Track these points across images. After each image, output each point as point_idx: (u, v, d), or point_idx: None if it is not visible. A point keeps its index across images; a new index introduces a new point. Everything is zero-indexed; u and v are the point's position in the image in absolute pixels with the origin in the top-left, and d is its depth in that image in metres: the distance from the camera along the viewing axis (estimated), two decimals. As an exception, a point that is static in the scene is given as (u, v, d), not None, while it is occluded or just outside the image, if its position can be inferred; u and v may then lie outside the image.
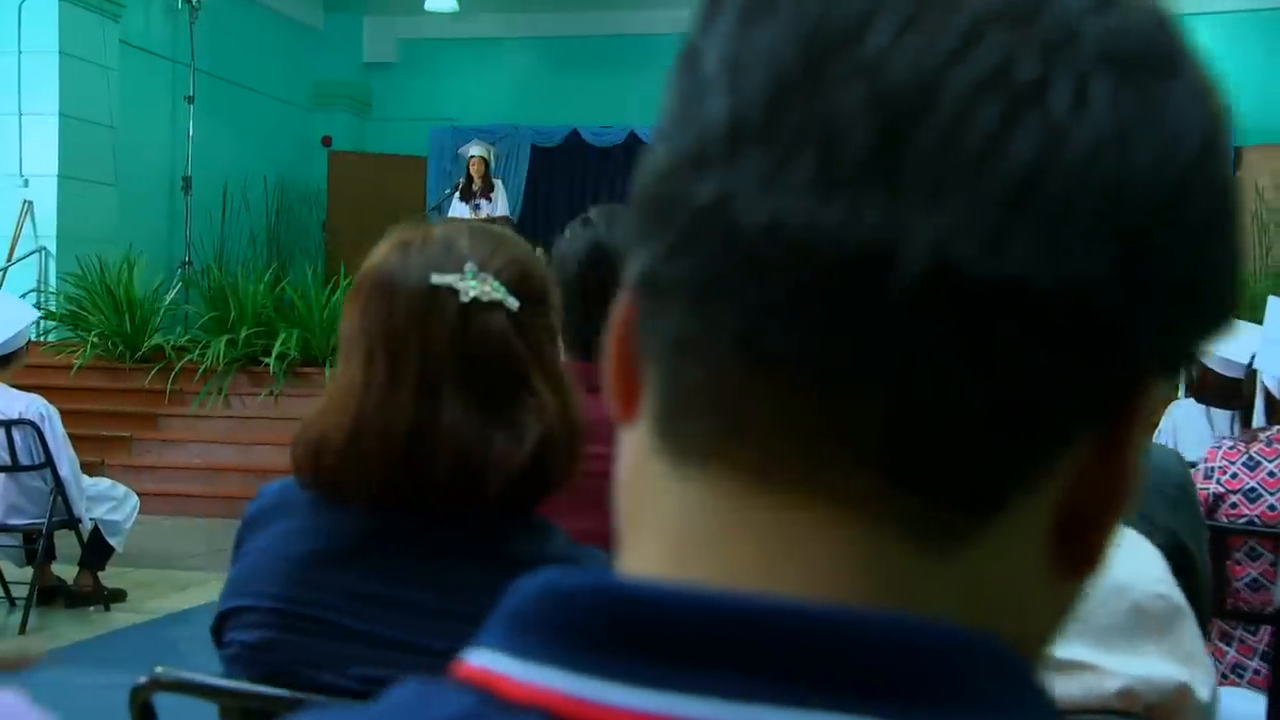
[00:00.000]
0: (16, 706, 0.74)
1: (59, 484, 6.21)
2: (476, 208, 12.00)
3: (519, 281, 1.58)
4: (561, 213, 16.01)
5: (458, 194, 12.19)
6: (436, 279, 1.55)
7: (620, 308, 0.49)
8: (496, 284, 1.55)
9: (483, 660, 0.45)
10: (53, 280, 11.82)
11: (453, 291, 1.54)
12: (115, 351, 10.79)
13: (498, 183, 12.47)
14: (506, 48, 16.08)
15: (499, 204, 12.18)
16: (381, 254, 1.60)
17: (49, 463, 6.16)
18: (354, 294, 1.60)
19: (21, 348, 6.43)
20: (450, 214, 11.98)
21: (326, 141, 15.96)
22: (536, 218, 14.65)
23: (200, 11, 13.41)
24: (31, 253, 11.89)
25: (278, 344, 10.42)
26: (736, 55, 0.44)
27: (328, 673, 1.57)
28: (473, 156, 12.25)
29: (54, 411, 6.27)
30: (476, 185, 12.15)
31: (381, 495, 1.55)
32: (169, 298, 11.80)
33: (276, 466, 9.73)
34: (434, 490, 1.54)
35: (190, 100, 13.54)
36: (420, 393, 1.53)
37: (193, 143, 13.53)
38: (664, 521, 0.46)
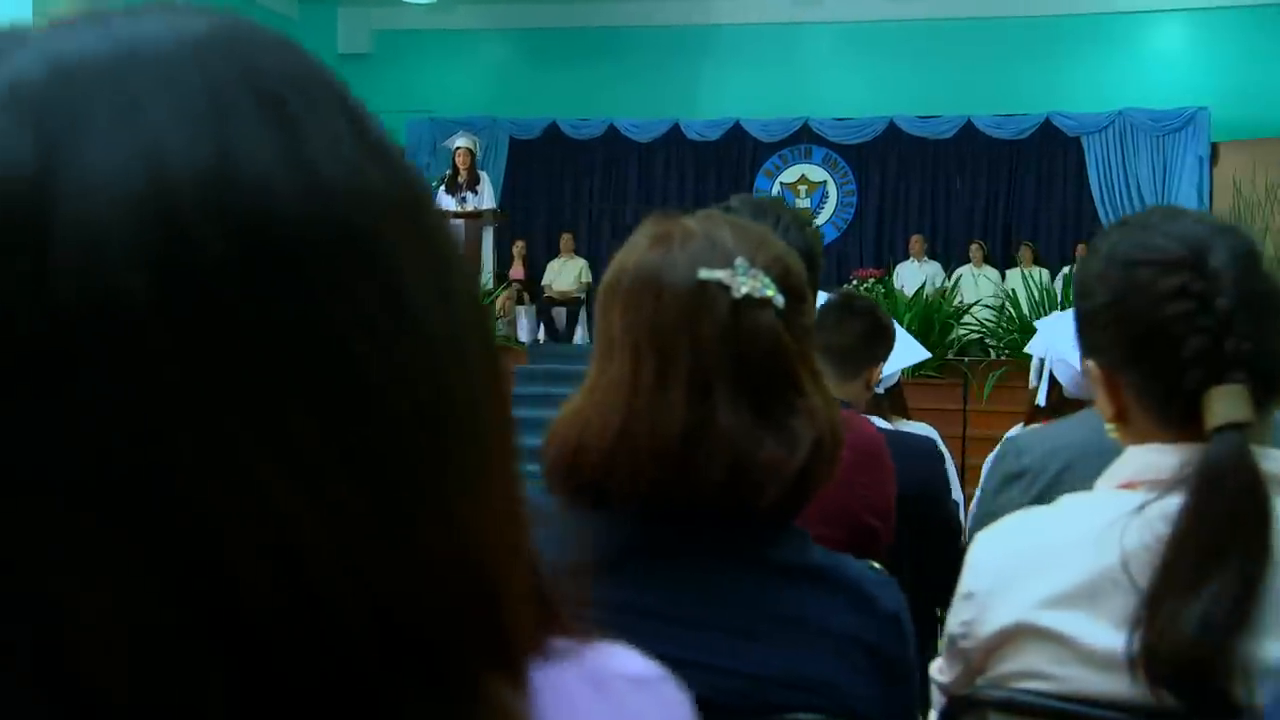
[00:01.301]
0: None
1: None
2: (463, 200, 11.89)
3: (783, 278, 1.53)
4: (540, 206, 16.02)
5: (443, 186, 12.07)
6: (705, 274, 1.49)
7: None
8: (766, 279, 1.50)
9: None
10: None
11: (723, 288, 1.48)
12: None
13: (483, 175, 12.36)
14: (484, 39, 15.98)
15: (485, 196, 12.08)
16: (638, 250, 1.53)
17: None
18: (612, 291, 1.53)
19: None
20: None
21: (301, 133, 15.78)
22: (515, 210, 14.56)
23: None
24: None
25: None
26: None
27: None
28: (458, 148, 12.14)
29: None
30: (462, 177, 12.03)
31: (650, 500, 1.49)
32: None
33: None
34: (705, 495, 1.48)
35: (165, 90, 13.35)
36: (691, 393, 1.47)
37: (169, 133, 13.35)
38: None
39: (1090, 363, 1.58)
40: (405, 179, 0.52)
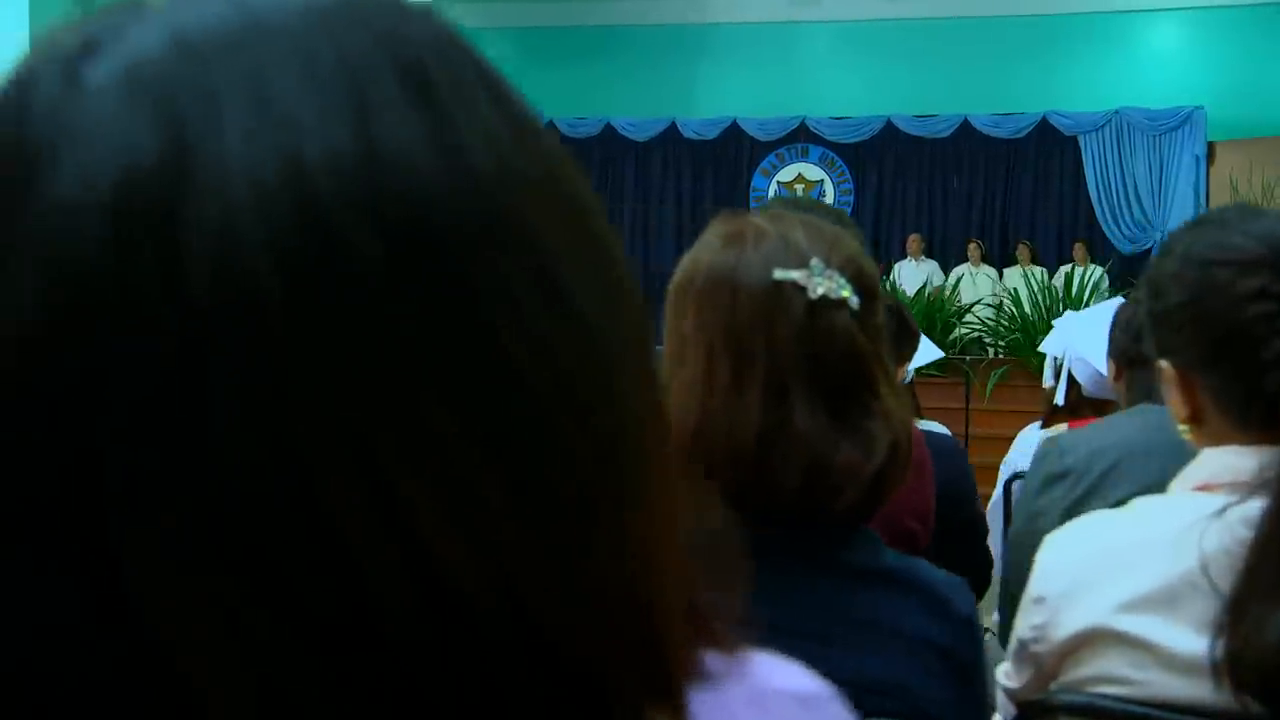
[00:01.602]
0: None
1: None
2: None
3: (857, 278, 1.51)
4: (537, 204, 15.92)
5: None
6: (780, 275, 1.47)
7: None
8: (841, 280, 1.48)
9: None
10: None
11: (798, 288, 1.47)
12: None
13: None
14: (480, 37, 15.31)
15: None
16: (711, 249, 1.52)
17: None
18: (683, 292, 1.51)
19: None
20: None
21: (296, 132, 15.77)
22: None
23: None
24: None
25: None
26: None
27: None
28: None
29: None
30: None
31: (725, 503, 1.47)
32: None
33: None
34: (781, 499, 1.46)
35: (161, 88, 13.35)
36: (767, 395, 1.46)
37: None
38: None
39: (1164, 363, 1.57)
40: (553, 156, 0.48)
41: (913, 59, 15.08)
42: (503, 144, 0.44)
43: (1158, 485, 2.24)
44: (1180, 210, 14.57)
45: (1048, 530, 2.38)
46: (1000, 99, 15.09)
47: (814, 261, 1.47)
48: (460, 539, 0.40)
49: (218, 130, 0.40)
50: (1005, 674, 1.64)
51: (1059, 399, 3.85)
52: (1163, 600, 1.42)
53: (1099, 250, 14.28)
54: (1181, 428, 1.59)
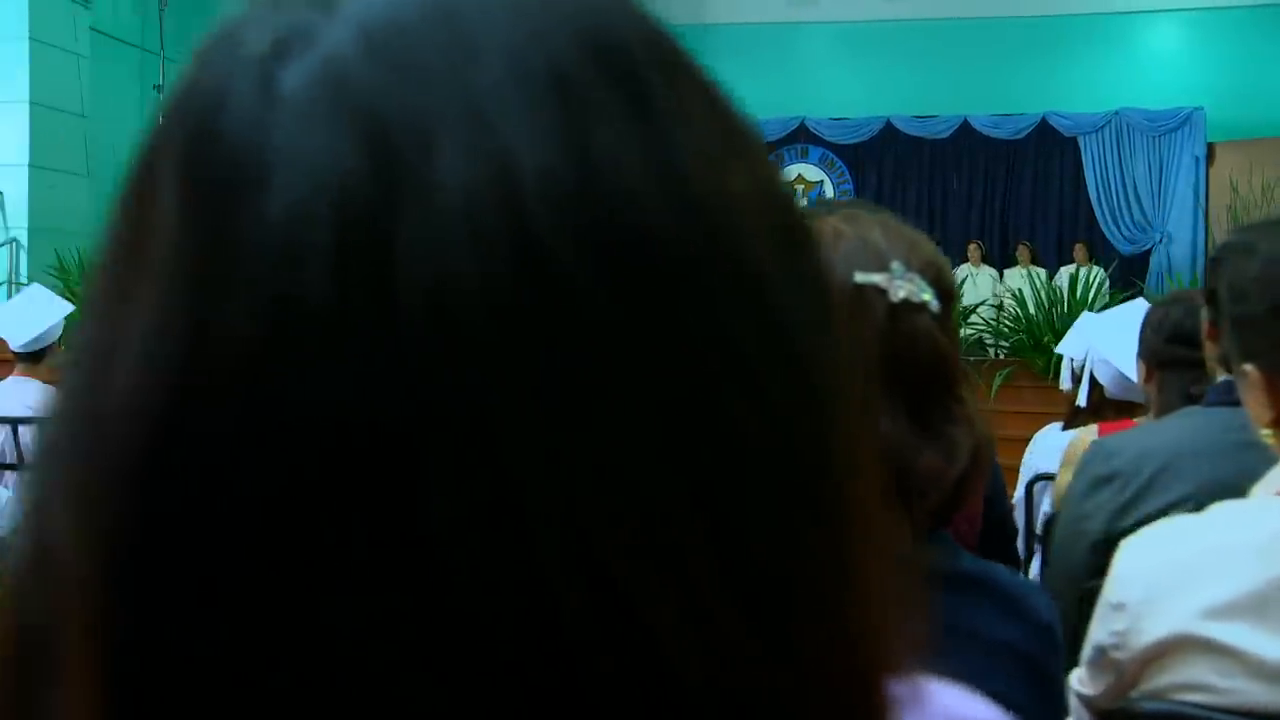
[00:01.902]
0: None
1: (93, 483, 6.02)
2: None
3: (936, 280, 1.49)
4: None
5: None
6: (861, 278, 1.45)
7: None
8: (922, 283, 1.46)
9: None
10: (24, 273, 11.53)
11: (880, 291, 1.44)
12: (103, 346, 10.57)
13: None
14: (479, 38, 15.91)
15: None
16: None
17: (83, 462, 5.97)
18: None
19: (54, 343, 6.24)
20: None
21: (294, 132, 15.76)
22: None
23: (170, -1, 13.19)
24: (2, 245, 11.60)
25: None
26: None
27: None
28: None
29: (89, 409, 6.08)
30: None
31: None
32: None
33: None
34: None
35: (159, 90, 13.28)
36: (850, 399, 1.43)
37: (163, 133, 13.29)
38: None
39: (1248, 367, 1.55)
40: (765, 169, 0.43)
41: (912, 59, 15.08)
42: (719, 160, 0.40)
43: (1208, 488, 2.23)
44: (1180, 211, 14.59)
45: (1095, 533, 2.37)
46: (1000, 100, 15.09)
47: (894, 264, 1.45)
48: (669, 606, 0.36)
49: (423, 153, 0.37)
50: (1079, 680, 1.62)
51: (1081, 400, 3.83)
52: (1251, 607, 1.40)
53: (1099, 251, 14.29)
54: (1264, 432, 1.57)
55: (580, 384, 0.36)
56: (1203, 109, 14.41)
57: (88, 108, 12.15)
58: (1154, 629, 1.47)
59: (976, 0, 14.99)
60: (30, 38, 11.69)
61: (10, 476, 6.07)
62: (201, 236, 0.37)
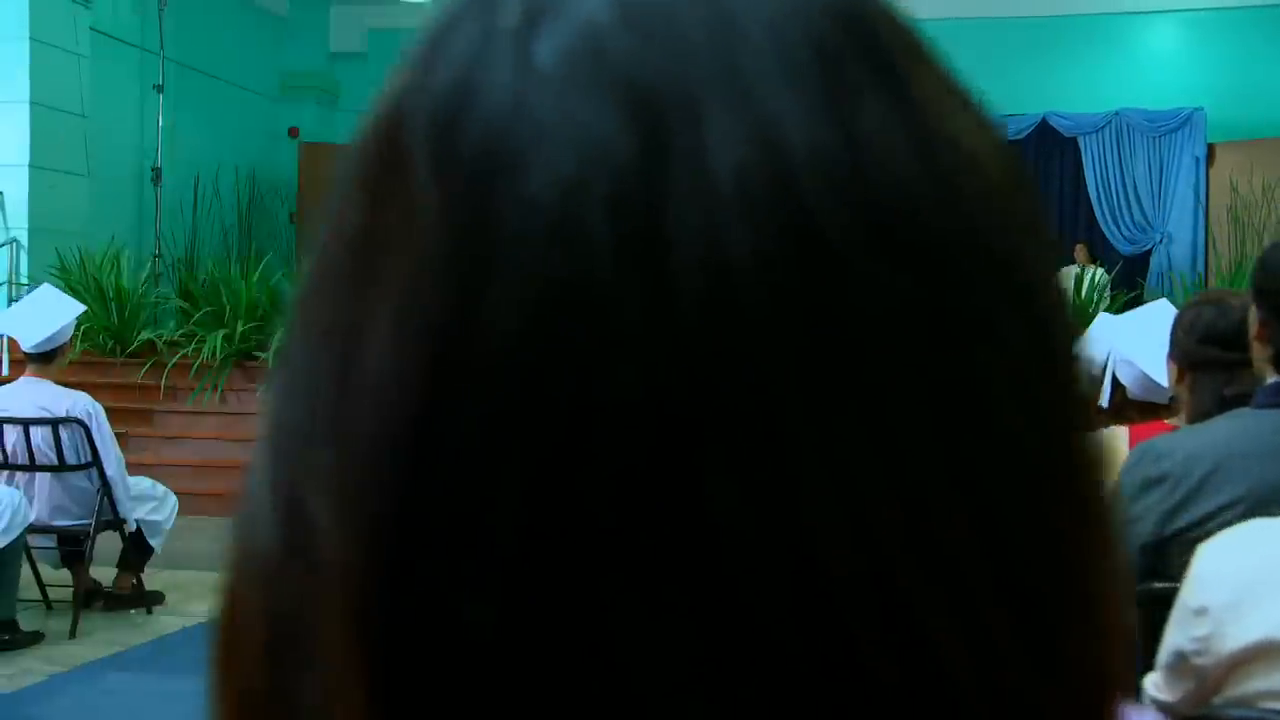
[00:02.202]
0: None
1: (105, 484, 6.00)
2: (465, 200, 11.83)
3: None
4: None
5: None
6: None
7: None
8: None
9: None
10: (24, 273, 11.50)
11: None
12: (106, 347, 10.54)
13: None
14: (479, 38, 15.89)
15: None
16: None
17: (95, 462, 5.95)
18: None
19: (65, 344, 6.23)
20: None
21: (293, 133, 15.72)
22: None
23: (169, -2, 13.17)
24: (2, 245, 11.57)
25: (276, 339, 10.22)
26: None
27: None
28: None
29: (100, 409, 6.08)
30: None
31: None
32: (157, 291, 11.59)
33: (277, 464, 9.62)
34: None
35: (159, 89, 13.26)
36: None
37: (162, 133, 13.26)
38: None
39: None
40: (1019, 168, 0.42)
41: (913, 60, 15.09)
42: (973, 147, 0.39)
43: (1259, 490, 2.23)
44: (1180, 211, 14.61)
45: (1145, 535, 2.37)
46: (1000, 100, 15.02)
47: None
48: (946, 607, 0.35)
49: (694, 124, 0.35)
50: (1155, 686, 1.61)
51: (1103, 402, 3.83)
52: None
53: (1099, 251, 14.30)
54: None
55: (856, 369, 0.35)
56: (1203, 109, 14.43)
57: (88, 108, 12.13)
58: (1240, 634, 1.46)
59: (976, 1, 15.00)
60: (30, 38, 11.67)
61: (21, 477, 6.06)
62: (461, 218, 0.36)
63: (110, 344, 10.58)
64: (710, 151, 0.35)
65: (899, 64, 0.38)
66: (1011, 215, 0.40)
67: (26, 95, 11.64)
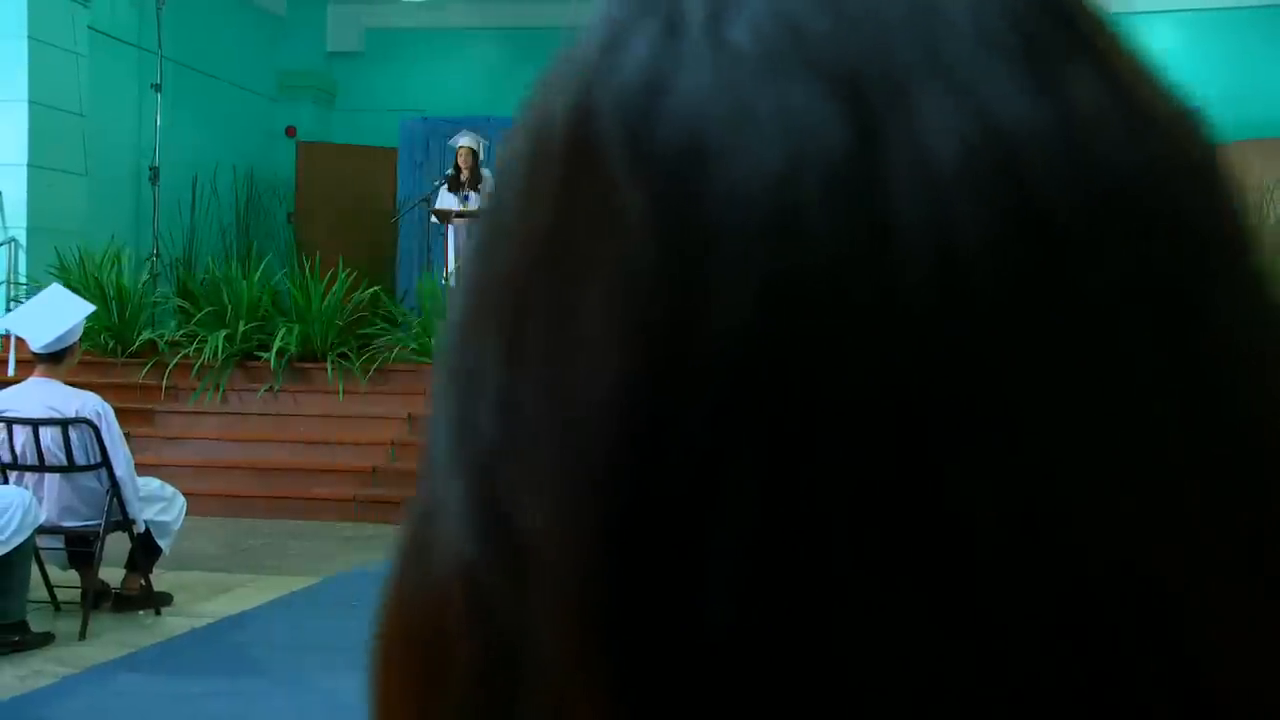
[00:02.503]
0: None
1: (115, 484, 5.98)
2: (465, 199, 11.81)
3: None
4: (535, 205, 15.91)
5: (445, 185, 11.99)
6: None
7: None
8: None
9: None
10: (23, 272, 11.47)
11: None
12: (107, 347, 10.51)
13: (486, 174, 12.26)
14: (477, 38, 15.90)
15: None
16: None
17: (105, 462, 5.93)
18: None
19: (74, 344, 6.21)
20: (438, 205, 11.80)
21: (290, 132, 15.72)
22: (510, 210, 14.50)
23: (167, -4, 13.15)
24: (1, 244, 11.55)
25: (277, 339, 10.20)
26: None
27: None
28: (461, 147, 12.07)
29: (109, 410, 6.06)
30: (464, 177, 11.95)
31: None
32: (156, 291, 11.57)
33: (279, 464, 9.63)
34: None
35: (157, 88, 13.23)
36: None
37: (160, 132, 13.23)
38: None
39: None
40: (1213, 151, 0.40)
41: (912, 60, 15.15)
42: (1173, 128, 0.38)
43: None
44: (1179, 211, 14.68)
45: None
46: (999, 100, 15.17)
47: None
48: (1214, 615, 0.33)
49: (904, 107, 0.33)
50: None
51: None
52: None
53: (1098, 251, 14.35)
54: None
55: (1090, 352, 0.33)
56: (1201, 109, 14.45)
57: (86, 107, 12.10)
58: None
59: (976, 1, 15.06)
60: (29, 36, 11.64)
61: (30, 477, 6.04)
62: (667, 217, 0.34)
63: (111, 344, 10.55)
64: (926, 135, 0.33)
65: (1096, 40, 0.37)
66: (1212, 194, 0.38)
67: (25, 94, 11.61)
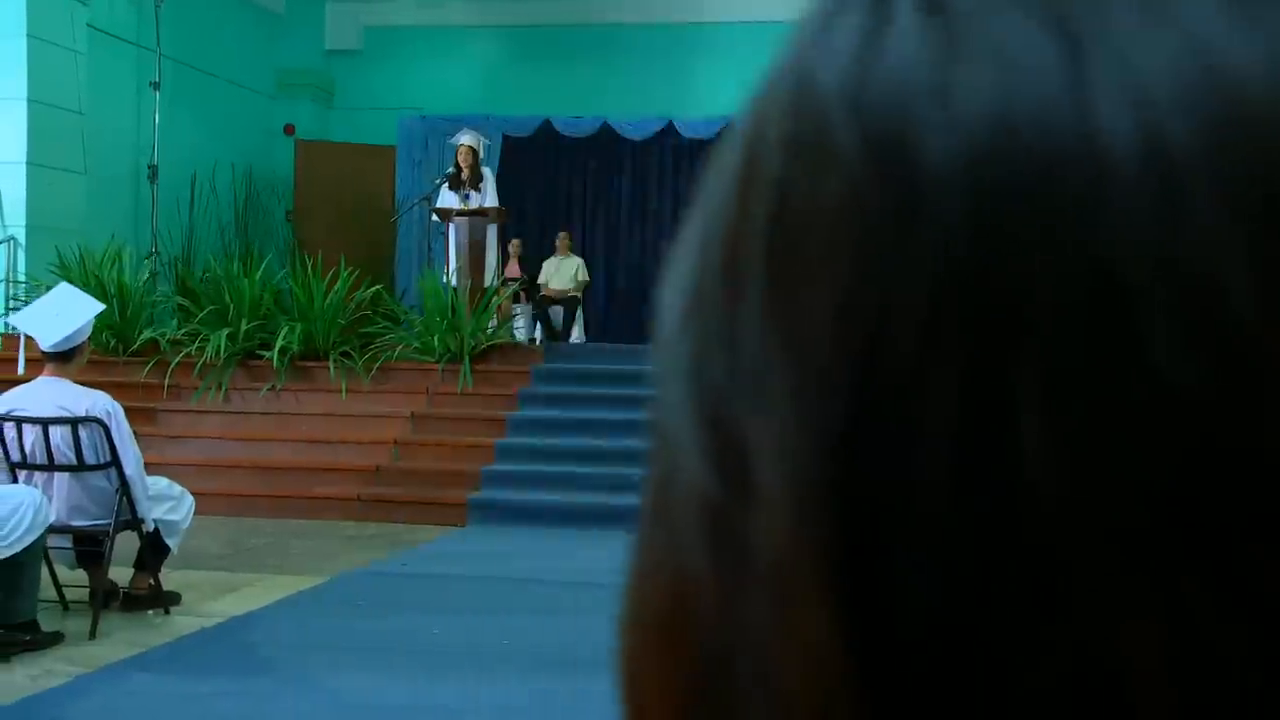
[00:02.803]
0: None
1: (125, 484, 5.96)
2: (466, 198, 11.80)
3: None
4: (534, 203, 15.97)
5: (446, 184, 11.97)
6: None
7: None
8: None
9: None
10: (22, 271, 11.44)
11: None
12: (109, 345, 10.49)
13: (487, 172, 12.27)
14: (475, 36, 15.88)
15: (488, 195, 11.99)
16: None
17: (114, 461, 5.91)
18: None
19: (83, 343, 6.19)
20: (439, 204, 11.79)
21: (289, 130, 15.70)
22: (510, 208, 14.49)
23: (165, -6, 13.13)
24: (0, 242, 11.52)
25: (280, 338, 10.19)
26: None
27: None
28: (461, 145, 12.05)
29: (119, 409, 6.03)
30: (465, 175, 11.94)
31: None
32: (156, 289, 11.54)
33: (282, 463, 9.63)
34: None
35: (156, 86, 13.22)
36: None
37: (159, 130, 13.21)
38: None
39: None
40: None
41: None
42: None
43: None
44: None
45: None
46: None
47: None
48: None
49: (1111, 44, 0.35)
50: None
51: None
52: None
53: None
54: None
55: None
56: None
57: (85, 105, 12.07)
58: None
59: None
60: (28, 35, 11.61)
61: (40, 476, 6.03)
62: (884, 149, 0.35)
63: (113, 342, 10.53)
64: (1130, 51, 0.33)
65: None
66: None
67: (24, 92, 11.58)
